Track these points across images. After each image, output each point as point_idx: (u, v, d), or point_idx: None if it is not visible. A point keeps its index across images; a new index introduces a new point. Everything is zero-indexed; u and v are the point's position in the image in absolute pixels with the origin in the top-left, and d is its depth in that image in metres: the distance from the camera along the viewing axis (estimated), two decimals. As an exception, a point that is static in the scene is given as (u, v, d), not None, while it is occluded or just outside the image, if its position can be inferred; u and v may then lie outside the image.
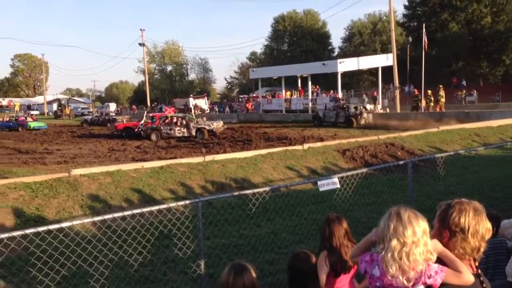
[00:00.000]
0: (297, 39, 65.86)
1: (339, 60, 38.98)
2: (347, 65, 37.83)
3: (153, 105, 64.18)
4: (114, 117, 42.38)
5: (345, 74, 40.14)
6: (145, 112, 35.48)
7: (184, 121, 26.10)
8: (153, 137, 25.14)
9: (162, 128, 25.58)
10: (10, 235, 3.71)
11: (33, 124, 38.00)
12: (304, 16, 68.01)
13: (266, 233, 7.41)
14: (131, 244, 5.38)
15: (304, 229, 7.38)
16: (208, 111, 51.20)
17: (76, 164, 14.82)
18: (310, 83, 39.53)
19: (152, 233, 5.63)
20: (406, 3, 54.74)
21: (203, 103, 54.50)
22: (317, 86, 41.87)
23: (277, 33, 68.62)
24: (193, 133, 25.29)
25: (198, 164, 11.80)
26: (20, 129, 36.96)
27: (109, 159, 16.52)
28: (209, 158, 12.52)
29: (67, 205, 8.68)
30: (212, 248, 6.39)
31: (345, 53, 58.96)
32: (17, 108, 67.47)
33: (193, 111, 49.15)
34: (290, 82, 45.61)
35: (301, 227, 7.54)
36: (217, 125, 26.44)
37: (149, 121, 27.53)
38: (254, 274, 2.75)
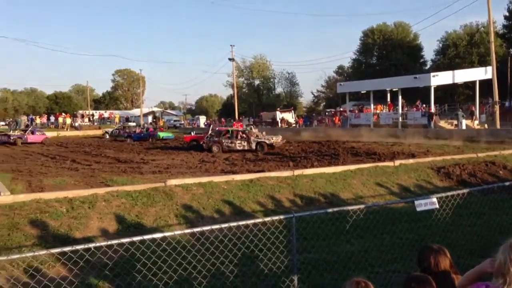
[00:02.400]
0: (387, 52, 64.21)
1: (432, 74, 37.41)
2: (441, 78, 36.21)
3: (240, 118, 65.64)
4: (134, 130, 44.92)
5: (437, 88, 38.40)
6: (211, 126, 36.84)
7: (244, 135, 26.66)
8: (215, 149, 25.98)
9: (223, 141, 26.32)
10: (119, 241, 3.97)
11: (162, 134, 39.65)
12: (395, 28, 66.21)
13: (357, 250, 7.27)
14: (226, 255, 5.54)
15: (398, 248, 7.13)
16: (294, 125, 51.33)
17: (169, 174, 15.45)
18: (400, 97, 38.31)
19: (246, 245, 5.73)
20: (506, 14, 51.50)
21: (290, 116, 54.76)
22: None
23: (365, 46, 67.41)
24: (253, 146, 25.89)
25: (287, 178, 11.89)
26: (150, 139, 38.18)
27: (199, 170, 17.07)
28: (298, 172, 12.57)
29: (163, 213, 9.11)
30: (303, 263, 6.37)
31: (438, 66, 56.43)
32: (117, 120, 72.22)
33: (279, 124, 49.84)
34: (379, 96, 44.52)
35: (394, 246, 7.29)
36: (276, 139, 26.86)
37: (214, 134, 28.70)
38: None
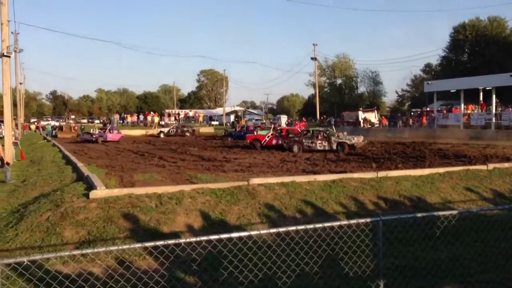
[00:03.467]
0: (480, 49, 60.53)
1: (530, 71, 34.72)
2: (541, 76, 33.48)
3: (322, 117, 65.07)
4: (192, 129, 49.54)
5: (537, 87, 35.50)
6: (272, 125, 37.31)
7: (325, 135, 26.37)
8: (295, 149, 25.99)
9: (304, 141, 26.25)
10: (208, 238, 4.10)
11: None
12: (489, 23, 62.28)
13: (446, 258, 6.92)
14: (311, 256, 5.52)
15: (491, 258, 6.70)
16: (377, 125, 49.99)
17: (251, 173, 15.63)
18: (494, 96, 35.97)
19: (331, 247, 5.69)
20: None
21: (373, 116, 53.37)
22: None
23: (456, 43, 64.00)
24: (334, 147, 25.52)
25: (371, 180, 11.62)
26: None
27: (281, 169, 17.12)
28: (382, 174, 12.25)
29: (246, 212, 9.26)
30: (388, 268, 6.19)
31: (538, 63, 52.26)
32: (201, 119, 74.66)
33: (362, 124, 48.75)
34: (469, 96, 42.05)
35: (487, 255, 6.86)
36: (358, 140, 26.22)
37: (277, 133, 29.74)
38: None
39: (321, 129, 29.10)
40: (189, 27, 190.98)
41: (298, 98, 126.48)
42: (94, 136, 37.36)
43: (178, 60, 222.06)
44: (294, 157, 22.46)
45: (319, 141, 26.09)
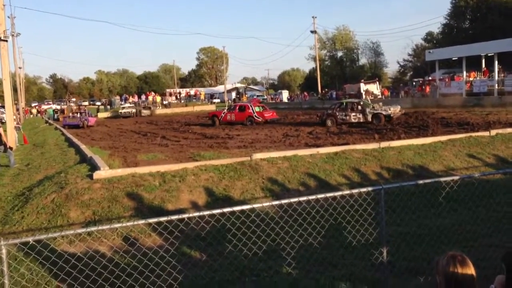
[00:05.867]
0: (481, 15, 59.61)
1: (533, 36, 34.29)
2: (544, 40, 33.08)
3: (323, 91, 64.70)
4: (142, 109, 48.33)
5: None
6: (229, 101, 37.87)
7: (359, 107, 25.23)
8: (329, 123, 25.22)
9: (337, 114, 25.35)
10: (210, 212, 4.12)
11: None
12: (491, -12, 61.18)
13: (449, 223, 6.96)
14: (314, 227, 5.56)
15: (494, 222, 6.74)
16: (380, 96, 49.65)
17: (254, 148, 15.64)
18: (496, 62, 35.60)
19: (334, 217, 5.72)
20: None
21: (375, 88, 52.94)
22: None
23: (457, 9, 62.98)
24: (369, 118, 24.31)
25: (373, 151, 11.63)
26: None
27: (284, 144, 17.13)
28: (384, 144, 12.24)
29: (249, 187, 9.30)
30: (391, 236, 6.24)
31: (540, 27, 51.45)
32: (202, 97, 74.39)
33: (363, 96, 48.45)
34: (472, 63, 41.62)
35: (490, 220, 6.90)
36: (394, 110, 24.90)
37: (230, 110, 29.85)
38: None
39: (355, 100, 27.71)
40: (187, 4, 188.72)
41: (299, 73, 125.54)
42: (81, 120, 37.26)
43: (177, 39, 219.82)
44: (297, 131, 22.43)
45: (353, 114, 24.96)
